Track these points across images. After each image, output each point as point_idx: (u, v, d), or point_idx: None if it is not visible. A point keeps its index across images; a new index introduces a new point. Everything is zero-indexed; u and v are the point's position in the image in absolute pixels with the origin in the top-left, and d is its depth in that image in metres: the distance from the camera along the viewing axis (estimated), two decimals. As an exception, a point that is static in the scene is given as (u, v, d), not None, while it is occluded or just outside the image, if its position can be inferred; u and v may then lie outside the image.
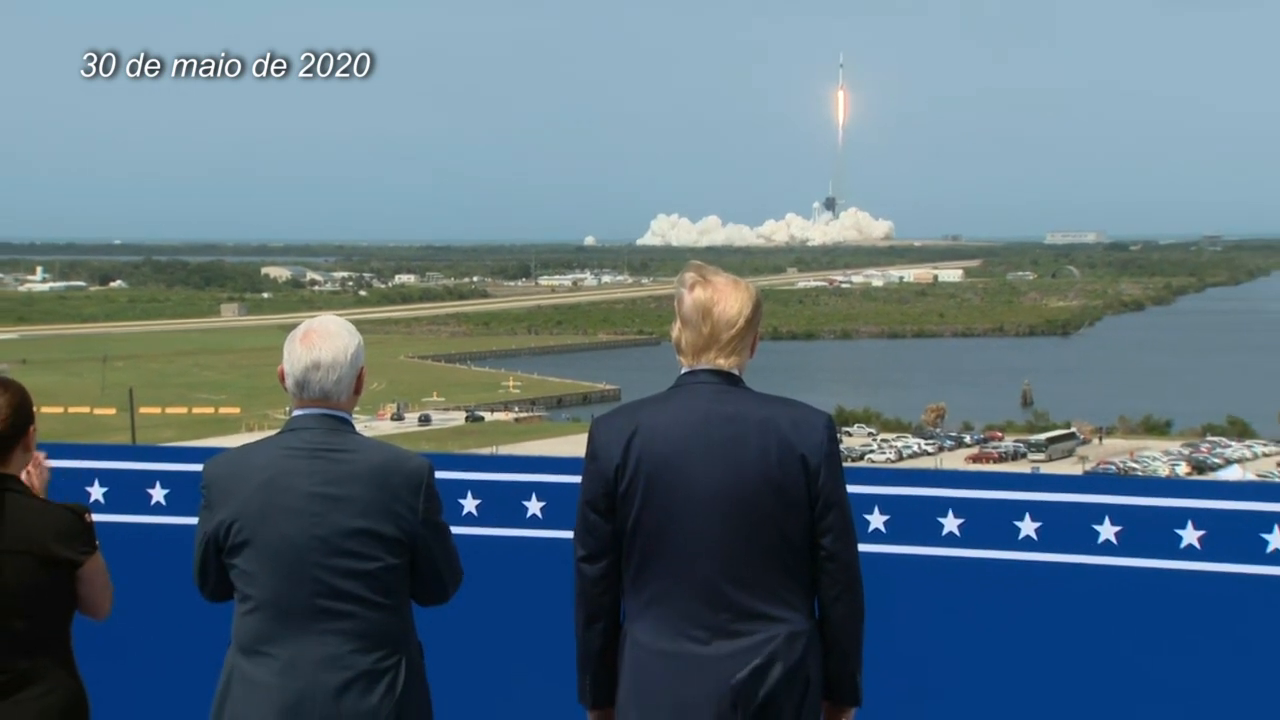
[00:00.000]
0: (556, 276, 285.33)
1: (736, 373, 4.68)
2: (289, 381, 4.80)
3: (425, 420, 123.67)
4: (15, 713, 4.77)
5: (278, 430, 4.83)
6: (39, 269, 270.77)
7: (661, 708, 4.55)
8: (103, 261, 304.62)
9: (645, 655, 4.58)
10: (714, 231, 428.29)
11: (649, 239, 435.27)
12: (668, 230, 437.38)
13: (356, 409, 4.90)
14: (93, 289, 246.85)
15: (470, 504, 6.92)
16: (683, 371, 4.70)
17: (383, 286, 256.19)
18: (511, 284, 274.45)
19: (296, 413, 4.80)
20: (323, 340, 4.78)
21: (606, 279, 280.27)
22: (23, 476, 4.91)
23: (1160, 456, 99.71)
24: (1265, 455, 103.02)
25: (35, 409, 4.95)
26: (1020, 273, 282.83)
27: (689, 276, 4.69)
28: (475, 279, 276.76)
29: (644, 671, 4.58)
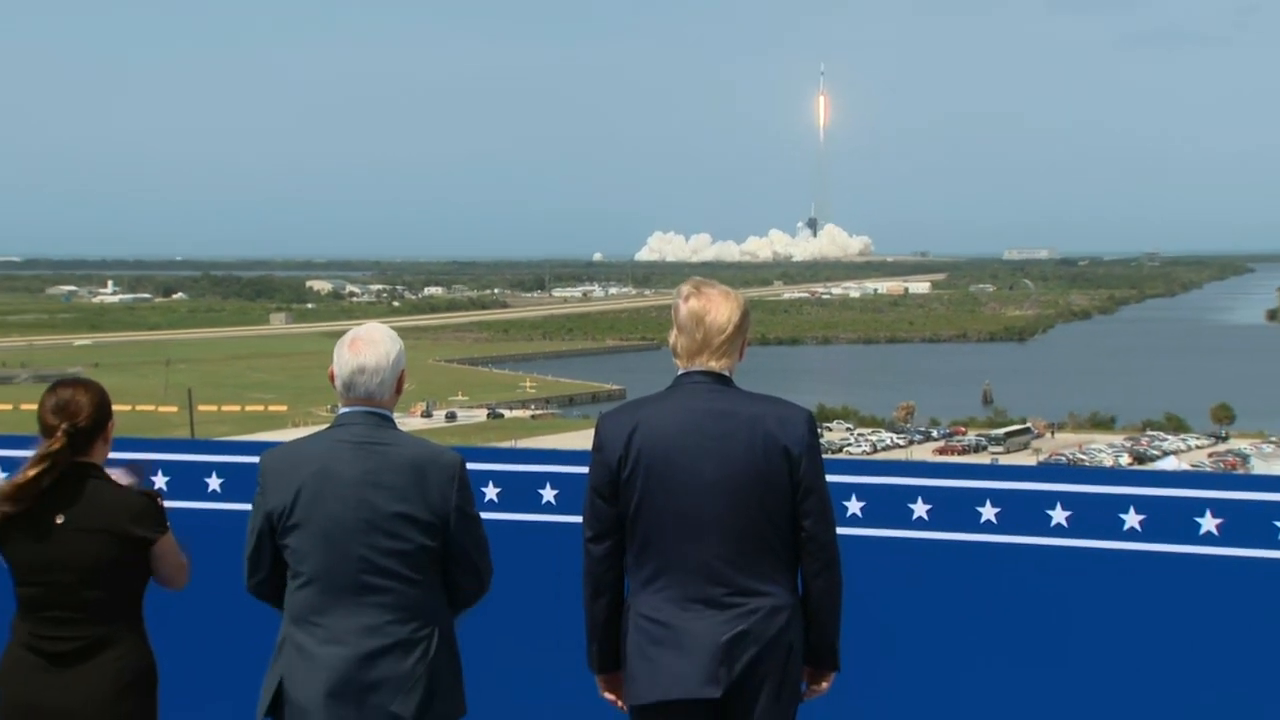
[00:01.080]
0: (568, 289, 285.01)
1: (727, 374, 4.70)
2: (338, 383, 4.82)
3: (451, 417, 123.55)
4: (93, 674, 4.81)
5: (326, 425, 4.85)
6: (110, 283, 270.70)
7: (660, 670, 4.56)
8: (166, 276, 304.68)
9: (646, 625, 4.59)
10: (704, 249, 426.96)
11: (646, 254, 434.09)
12: (663, 246, 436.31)
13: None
14: (157, 300, 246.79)
15: (491, 492, 6.92)
16: (679, 373, 4.71)
17: (413, 298, 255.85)
18: (528, 295, 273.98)
19: (344, 410, 4.81)
20: (368, 347, 4.80)
21: (613, 291, 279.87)
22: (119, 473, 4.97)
23: (1105, 449, 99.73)
24: (1198, 448, 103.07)
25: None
26: (981, 285, 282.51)
27: (685, 289, 4.72)
28: (495, 291, 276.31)
29: (645, 639, 4.59)
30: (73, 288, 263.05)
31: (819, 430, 4.78)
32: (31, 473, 4.75)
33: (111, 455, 4.98)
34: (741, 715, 4.57)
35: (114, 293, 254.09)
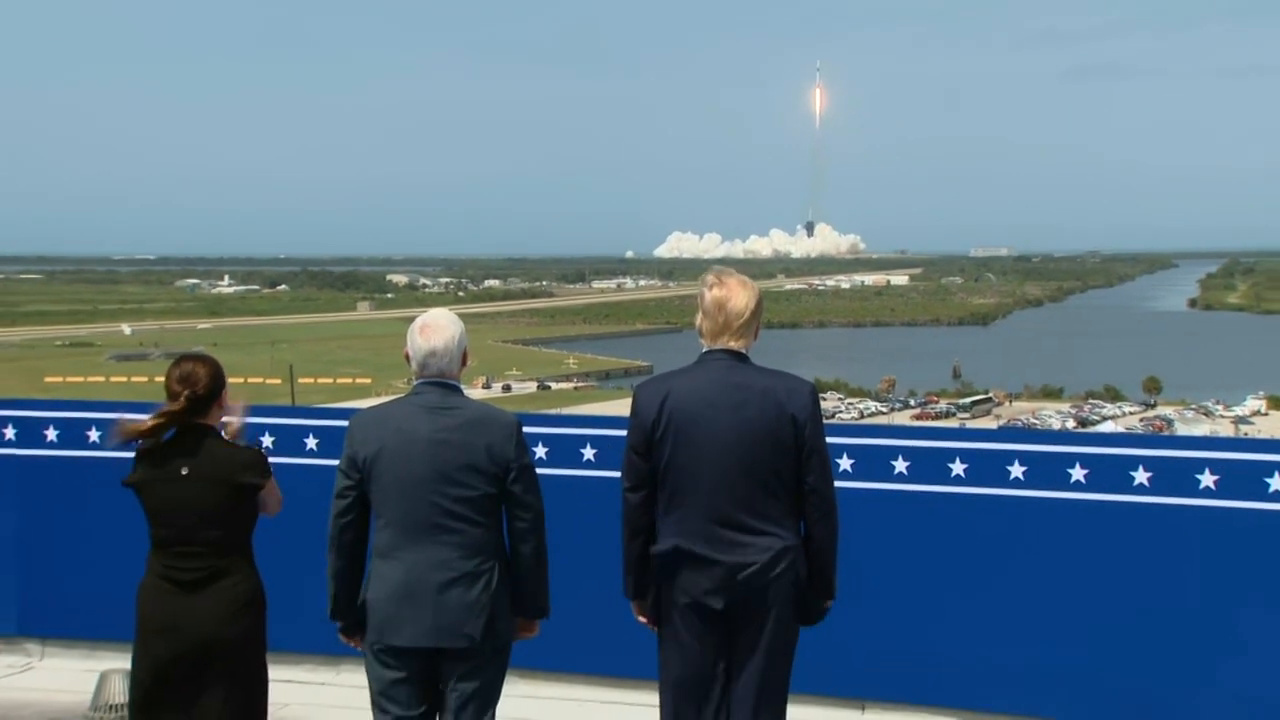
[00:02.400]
0: (604, 281, 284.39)
1: (744, 351, 4.69)
2: (413, 363, 4.81)
3: (507, 388, 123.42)
4: (214, 597, 4.84)
5: (405, 394, 4.84)
6: (226, 277, 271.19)
7: (686, 595, 4.57)
8: (271, 271, 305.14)
9: (675, 559, 4.60)
10: (715, 247, 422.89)
11: (665, 251, 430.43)
12: (681, 244, 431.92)
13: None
14: (264, 291, 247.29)
15: (541, 451, 6.94)
16: (703, 350, 4.70)
17: (475, 288, 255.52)
18: (571, 286, 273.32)
19: (418, 381, 4.80)
20: (436, 333, 4.78)
21: (641, 283, 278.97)
22: (232, 428, 5.01)
23: (1054, 414, 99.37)
24: (1131, 413, 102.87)
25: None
26: (951, 278, 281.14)
27: (710, 279, 4.72)
28: (544, 283, 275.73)
29: (673, 573, 4.60)
30: (196, 281, 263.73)
31: (820, 399, 4.78)
32: (151, 422, 4.80)
33: (225, 417, 5.00)
34: (755, 634, 4.57)
35: (229, 285, 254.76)
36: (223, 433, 4.99)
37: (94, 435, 7.98)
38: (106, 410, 8.19)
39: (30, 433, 8.10)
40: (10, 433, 8.13)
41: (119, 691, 6.98)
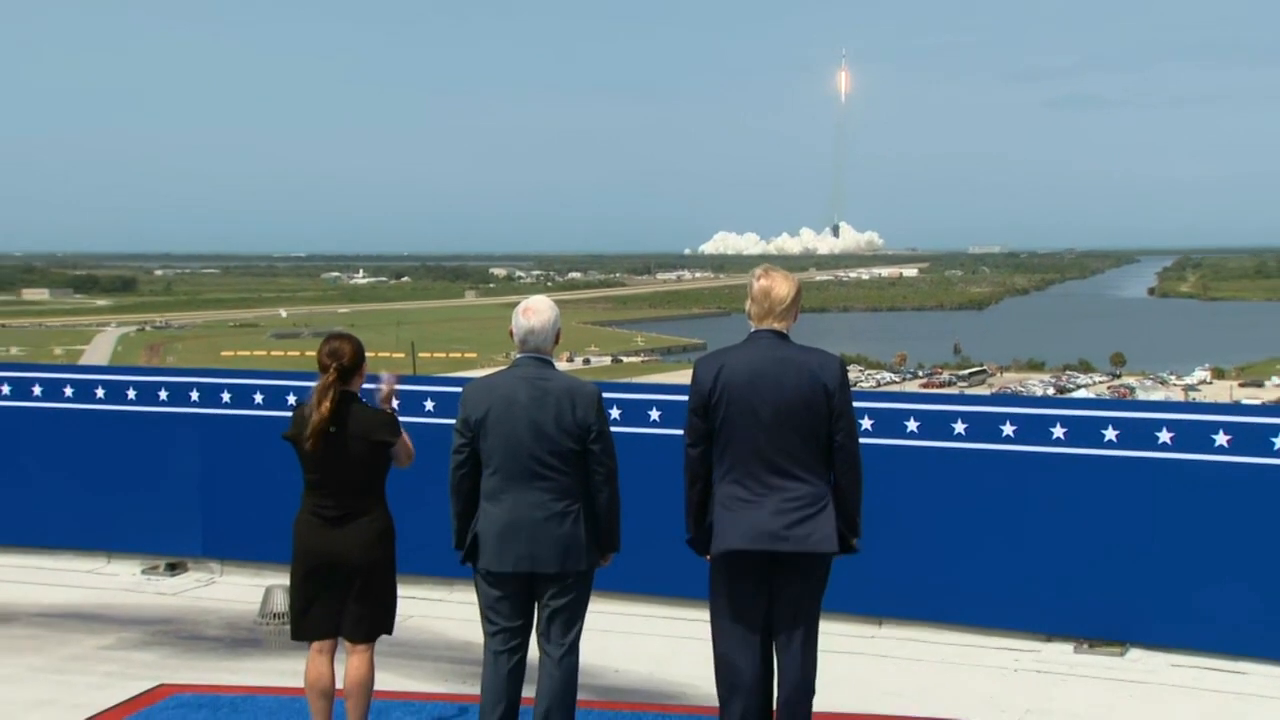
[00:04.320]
0: (666, 273, 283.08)
1: (785, 332, 4.63)
2: (515, 338, 4.79)
3: (587, 362, 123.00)
4: (354, 531, 4.85)
5: (507, 366, 4.83)
6: (361, 270, 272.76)
7: (738, 530, 4.51)
8: (397, 265, 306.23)
9: (727, 503, 4.55)
10: (753, 245, 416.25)
11: (711, 248, 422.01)
12: (725, 242, 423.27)
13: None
14: (391, 282, 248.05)
15: (615, 413, 6.91)
16: (751, 330, 4.65)
17: (560, 279, 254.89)
18: (639, 278, 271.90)
19: (519, 356, 4.79)
20: (535, 315, 4.77)
21: (697, 275, 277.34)
22: (384, 388, 5.00)
23: (1038, 383, 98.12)
24: (1100, 382, 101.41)
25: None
26: (953, 271, 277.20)
27: (758, 271, 4.68)
28: (617, 274, 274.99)
29: (725, 514, 4.56)
30: (337, 274, 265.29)
31: (847, 370, 4.73)
32: (324, 404, 4.77)
33: (365, 386, 5.02)
34: (793, 563, 4.52)
35: (363, 277, 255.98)
36: (377, 395, 4.99)
37: (259, 398, 8.07)
38: (268, 378, 8.29)
39: (210, 395, 8.21)
40: (195, 395, 8.25)
41: (280, 602, 7.07)
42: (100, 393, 8.46)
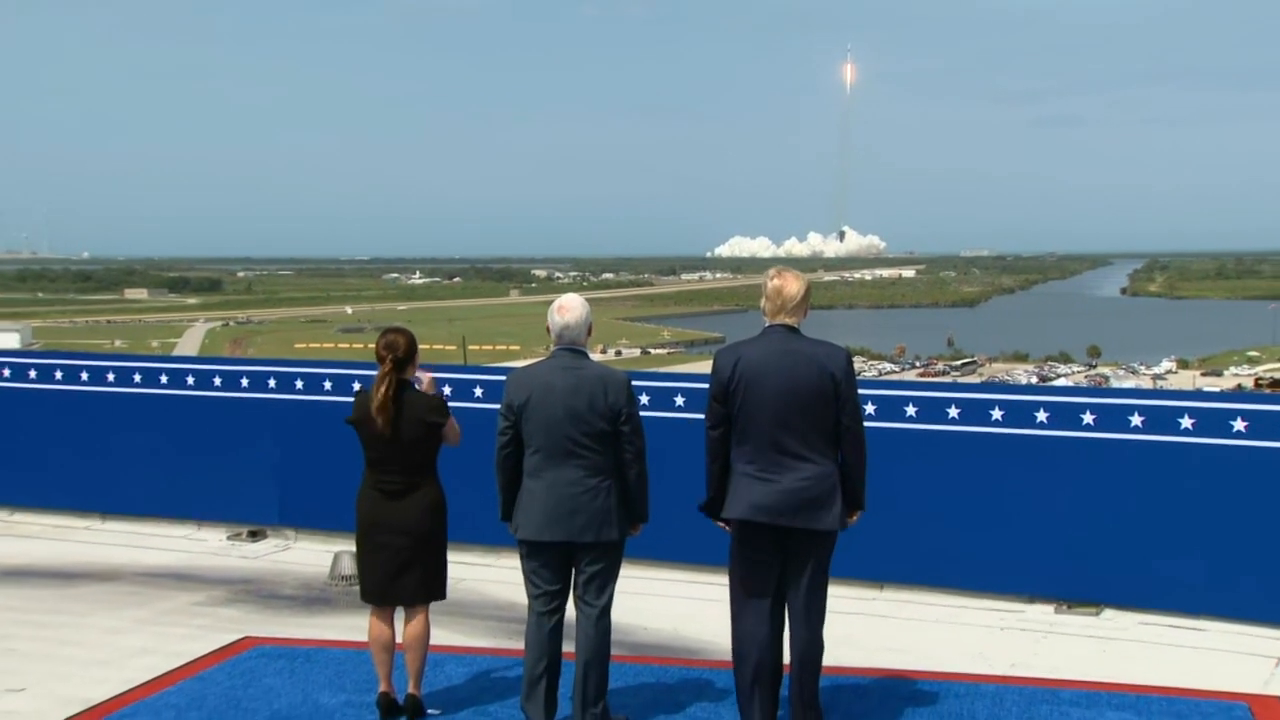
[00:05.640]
0: (689, 274, 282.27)
1: (796, 326, 4.57)
2: (551, 333, 4.77)
3: (618, 353, 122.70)
4: (410, 503, 4.83)
5: (546, 357, 4.80)
6: (417, 272, 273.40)
7: (753, 503, 4.48)
8: (449, 267, 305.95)
9: (743, 479, 4.52)
10: (764, 249, 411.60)
11: (727, 250, 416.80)
12: (739, 245, 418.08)
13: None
14: (444, 282, 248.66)
15: (644, 399, 6.90)
16: (766, 325, 4.61)
17: (594, 279, 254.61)
18: (665, 278, 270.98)
19: (556, 348, 4.76)
20: (569, 312, 4.73)
21: (717, 275, 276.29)
22: (423, 378, 4.99)
23: (1023, 373, 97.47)
24: (1078, 372, 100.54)
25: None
26: (948, 272, 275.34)
27: (771, 272, 4.63)
28: (646, 275, 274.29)
29: (742, 489, 4.52)
30: (396, 275, 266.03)
31: (853, 361, 4.69)
32: (383, 390, 4.75)
33: (418, 374, 5.01)
34: (804, 534, 4.49)
35: (419, 278, 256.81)
36: (417, 385, 4.99)
37: (328, 385, 8.09)
38: (335, 367, 8.31)
39: (285, 383, 8.24)
40: (272, 383, 8.28)
41: (347, 566, 7.10)
42: (191, 380, 8.51)
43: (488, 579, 7.13)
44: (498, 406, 4.76)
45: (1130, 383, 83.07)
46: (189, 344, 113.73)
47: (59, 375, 8.85)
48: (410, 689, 4.88)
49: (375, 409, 4.75)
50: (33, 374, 8.94)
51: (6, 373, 9.01)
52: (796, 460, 4.46)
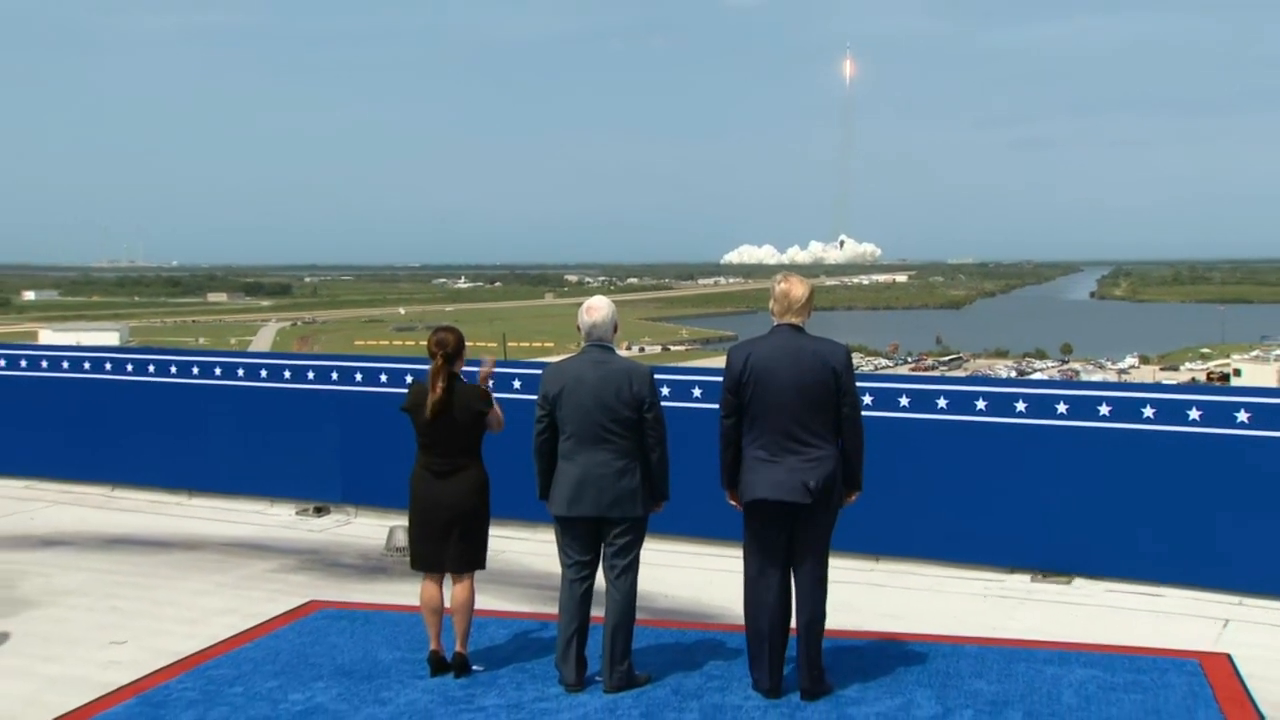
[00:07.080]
0: (705, 279, 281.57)
1: (801, 325, 4.56)
2: (582, 331, 4.76)
3: (642, 350, 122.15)
4: (458, 483, 4.82)
5: (577, 353, 4.79)
6: (463, 277, 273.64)
7: (763, 485, 4.46)
8: (491, 272, 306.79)
9: (754, 463, 4.50)
10: (769, 257, 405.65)
11: (734, 257, 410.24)
12: (746, 253, 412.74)
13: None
14: (487, 286, 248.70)
15: (665, 391, 6.81)
16: (774, 324, 4.59)
17: (620, 284, 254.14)
18: (683, 283, 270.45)
19: (585, 345, 4.75)
20: (596, 312, 4.73)
21: (731, 280, 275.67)
22: (484, 369, 4.98)
23: (1003, 368, 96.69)
24: (1053, 367, 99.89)
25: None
26: (936, 277, 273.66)
27: (779, 277, 4.61)
28: (666, 280, 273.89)
29: (753, 471, 4.51)
30: (444, 280, 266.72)
31: (852, 356, 4.65)
32: (439, 385, 4.76)
33: (466, 368, 5.01)
34: (809, 512, 4.47)
35: (465, 283, 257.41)
36: (483, 364, 4.98)
37: (384, 378, 8.10)
38: (390, 362, 8.33)
39: (346, 376, 8.27)
40: (335, 376, 8.31)
41: (401, 539, 7.10)
42: (264, 373, 8.56)
43: (526, 551, 7.12)
44: (534, 397, 4.75)
45: (1098, 376, 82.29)
46: (262, 341, 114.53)
47: (152, 369, 8.93)
48: (457, 648, 4.88)
49: (434, 403, 4.74)
50: (130, 368, 9.02)
51: (108, 367, 9.10)
52: (802, 445, 4.43)
